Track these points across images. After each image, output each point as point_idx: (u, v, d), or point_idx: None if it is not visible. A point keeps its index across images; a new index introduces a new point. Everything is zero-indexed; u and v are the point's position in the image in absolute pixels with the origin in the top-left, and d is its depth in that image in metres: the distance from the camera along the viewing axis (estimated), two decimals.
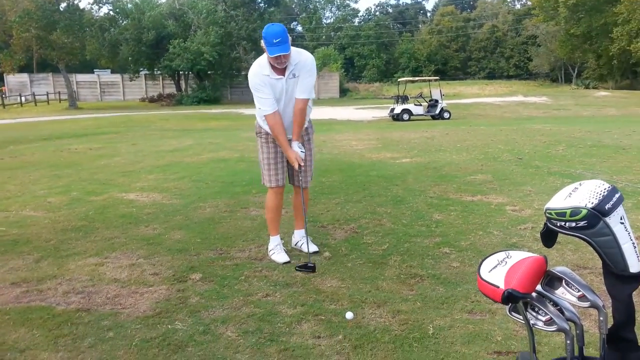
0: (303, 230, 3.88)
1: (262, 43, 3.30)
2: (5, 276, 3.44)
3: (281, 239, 3.82)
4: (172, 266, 3.57)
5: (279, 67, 3.38)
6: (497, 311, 2.72)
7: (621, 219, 1.11)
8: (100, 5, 36.83)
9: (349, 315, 2.68)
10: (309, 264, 3.22)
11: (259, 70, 3.45)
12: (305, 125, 3.68)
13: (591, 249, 1.16)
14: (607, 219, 1.09)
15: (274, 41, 3.23)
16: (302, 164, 3.58)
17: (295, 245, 3.92)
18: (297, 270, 3.05)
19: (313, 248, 3.79)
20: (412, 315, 2.73)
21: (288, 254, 3.66)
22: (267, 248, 3.80)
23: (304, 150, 3.62)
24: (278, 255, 3.64)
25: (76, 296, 3.09)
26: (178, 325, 2.69)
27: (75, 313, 2.85)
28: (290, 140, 3.58)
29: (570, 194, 1.14)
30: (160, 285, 3.23)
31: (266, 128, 3.60)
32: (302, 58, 3.47)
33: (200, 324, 2.69)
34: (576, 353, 1.21)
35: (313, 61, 3.54)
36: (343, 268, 3.45)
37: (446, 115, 21.16)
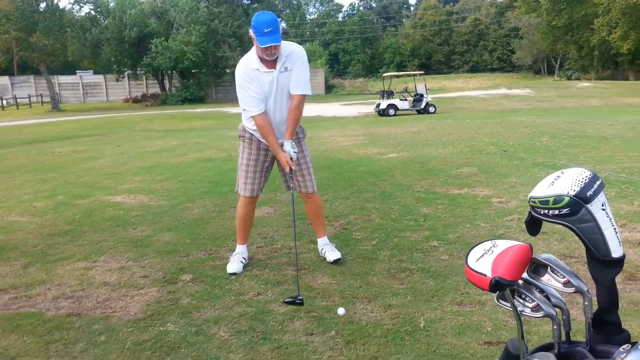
0: (325, 238, 3.65)
1: (251, 32, 3.07)
2: None
3: (248, 248, 3.65)
4: (161, 268, 3.55)
5: (269, 59, 3.13)
6: (486, 302, 2.76)
7: (602, 205, 1.13)
8: (82, 5, 36.37)
9: (341, 311, 2.69)
10: (297, 299, 2.84)
11: (248, 64, 3.19)
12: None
13: (577, 238, 1.18)
14: (589, 206, 1.12)
15: (265, 30, 2.97)
16: (294, 167, 3.30)
17: (320, 253, 3.65)
18: (284, 302, 2.80)
19: (335, 256, 3.50)
20: (403, 309, 2.76)
21: (242, 266, 3.44)
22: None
23: (296, 151, 3.33)
24: (231, 264, 3.43)
25: (66, 301, 3.07)
26: (170, 327, 2.69)
27: (65, 318, 2.83)
28: (282, 142, 3.32)
29: (553, 182, 1.17)
30: (150, 288, 3.22)
31: (251, 130, 3.38)
32: (293, 49, 3.23)
33: (192, 325, 2.69)
34: (563, 338, 1.24)
35: (304, 53, 3.29)
36: (333, 264, 3.46)
37: (431, 109, 21.26)
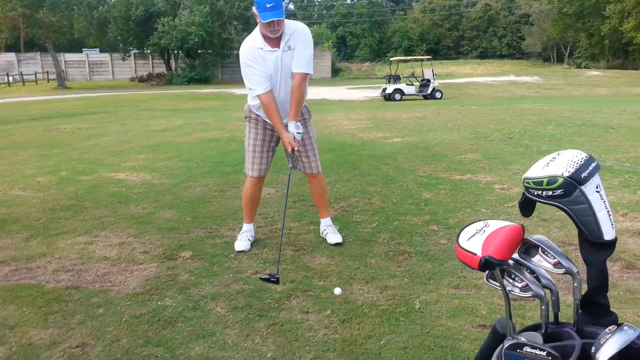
0: (328, 219, 3.65)
1: (254, 9, 3.05)
2: None
3: (255, 225, 3.71)
4: (162, 244, 3.58)
5: (272, 36, 3.11)
6: (482, 286, 2.77)
7: (597, 187, 1.13)
8: None
9: (337, 291, 2.71)
10: (273, 277, 2.81)
11: (251, 44, 3.19)
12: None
13: None
14: (582, 188, 1.11)
15: (267, 6, 2.97)
16: (297, 147, 3.24)
17: (322, 234, 3.66)
18: (261, 279, 2.84)
19: (336, 239, 3.51)
20: (399, 290, 2.77)
21: (249, 244, 3.48)
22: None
23: (300, 132, 3.27)
24: (239, 242, 3.48)
25: (66, 274, 3.10)
26: (168, 301, 2.72)
27: (64, 290, 2.87)
28: (286, 123, 3.28)
29: (548, 163, 1.16)
30: (150, 263, 3.24)
31: (256, 111, 3.38)
32: (297, 28, 3.21)
33: (189, 301, 2.72)
34: (552, 319, 1.24)
35: (309, 32, 3.26)
36: (332, 246, 3.47)
37: (438, 95, 21.11)
